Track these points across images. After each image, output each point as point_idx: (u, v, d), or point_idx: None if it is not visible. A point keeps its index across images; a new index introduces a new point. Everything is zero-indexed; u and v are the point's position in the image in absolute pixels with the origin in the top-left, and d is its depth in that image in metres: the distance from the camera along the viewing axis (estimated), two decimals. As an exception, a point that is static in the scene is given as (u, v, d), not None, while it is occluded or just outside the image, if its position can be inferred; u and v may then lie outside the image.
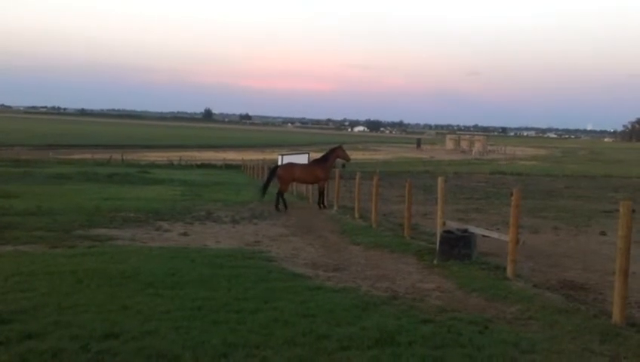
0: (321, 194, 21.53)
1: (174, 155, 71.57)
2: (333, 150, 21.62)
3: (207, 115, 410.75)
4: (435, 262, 10.88)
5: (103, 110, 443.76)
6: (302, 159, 45.17)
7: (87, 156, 68.80)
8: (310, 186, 24.22)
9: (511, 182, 38.42)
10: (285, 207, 20.60)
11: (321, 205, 21.24)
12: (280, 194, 21.03)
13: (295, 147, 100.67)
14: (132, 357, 5.46)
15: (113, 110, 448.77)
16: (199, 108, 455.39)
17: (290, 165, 23.02)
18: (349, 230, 15.63)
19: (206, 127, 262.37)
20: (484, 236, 11.52)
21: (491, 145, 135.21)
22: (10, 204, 18.68)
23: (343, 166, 21.76)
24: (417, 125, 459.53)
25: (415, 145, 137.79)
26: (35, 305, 7.04)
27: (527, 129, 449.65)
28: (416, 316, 7.20)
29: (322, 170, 21.28)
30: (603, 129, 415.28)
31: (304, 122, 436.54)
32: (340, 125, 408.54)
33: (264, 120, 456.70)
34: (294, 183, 30.91)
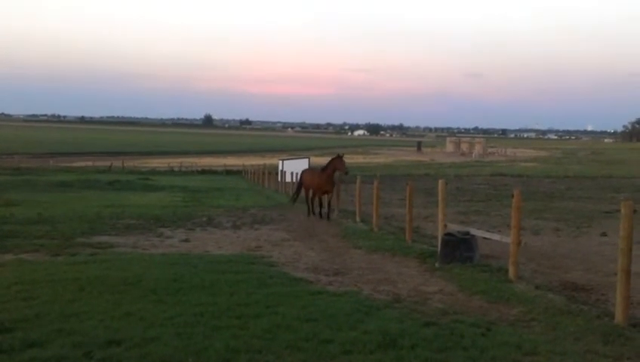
0: (307, 200, 20.84)
1: (175, 162, 71.69)
2: (331, 160, 20.20)
3: (208, 121, 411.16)
4: (436, 265, 10.87)
5: (102, 117, 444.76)
6: (303, 164, 45.22)
7: (88, 163, 68.96)
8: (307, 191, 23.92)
9: (512, 183, 38.40)
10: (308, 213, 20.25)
11: (310, 212, 20.38)
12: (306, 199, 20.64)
13: (296, 152, 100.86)
14: (135, 364, 5.46)
15: (113, 117, 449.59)
16: (199, 115, 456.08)
17: (303, 172, 22.39)
18: (350, 234, 15.63)
19: (206, 133, 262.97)
20: (485, 238, 11.51)
21: (491, 147, 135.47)
22: (11, 213, 18.71)
23: (347, 173, 20.44)
24: (417, 128, 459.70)
25: (415, 148, 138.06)
26: (38, 313, 7.04)
27: (527, 130, 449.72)
28: (418, 319, 7.19)
29: (317, 178, 20.10)
30: (603, 130, 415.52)
31: (304, 126, 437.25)
32: (340, 129, 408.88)
33: (264, 125, 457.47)
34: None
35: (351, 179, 20.03)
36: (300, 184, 21.60)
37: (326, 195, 19.88)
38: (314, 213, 19.89)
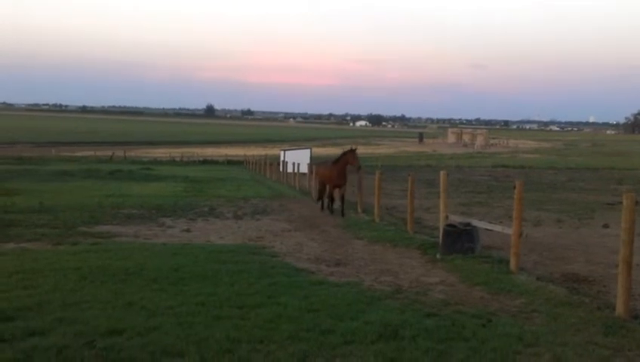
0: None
1: (176, 152, 71.71)
2: (344, 154, 19.28)
3: (209, 111, 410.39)
4: (438, 256, 10.88)
5: (104, 107, 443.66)
6: (304, 154, 45.10)
7: (90, 153, 68.98)
8: (313, 182, 24.04)
9: (513, 175, 38.37)
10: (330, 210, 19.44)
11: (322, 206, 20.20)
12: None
13: (297, 142, 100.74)
14: (136, 353, 5.47)
15: (115, 107, 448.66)
16: (201, 105, 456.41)
17: (317, 166, 22.04)
18: (352, 225, 15.63)
19: (208, 123, 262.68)
20: (487, 229, 11.50)
21: (493, 138, 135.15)
22: (12, 202, 18.73)
23: (359, 168, 19.80)
24: (419, 119, 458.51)
25: (417, 140, 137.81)
26: (39, 302, 7.05)
27: (529, 122, 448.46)
28: (419, 310, 7.20)
29: (329, 171, 19.91)
30: (605, 121, 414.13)
31: (306, 117, 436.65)
32: (342, 120, 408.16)
33: (266, 115, 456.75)
34: (298, 179, 31.02)
35: (353, 169, 19.72)
36: (321, 180, 20.47)
37: (338, 189, 19.06)
38: (322, 208, 19.38)
